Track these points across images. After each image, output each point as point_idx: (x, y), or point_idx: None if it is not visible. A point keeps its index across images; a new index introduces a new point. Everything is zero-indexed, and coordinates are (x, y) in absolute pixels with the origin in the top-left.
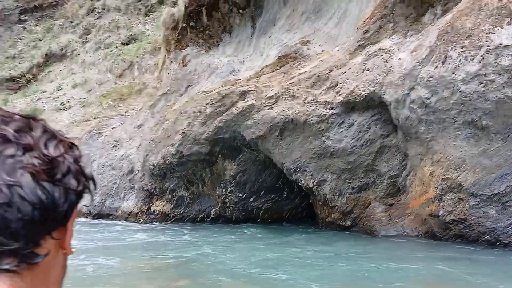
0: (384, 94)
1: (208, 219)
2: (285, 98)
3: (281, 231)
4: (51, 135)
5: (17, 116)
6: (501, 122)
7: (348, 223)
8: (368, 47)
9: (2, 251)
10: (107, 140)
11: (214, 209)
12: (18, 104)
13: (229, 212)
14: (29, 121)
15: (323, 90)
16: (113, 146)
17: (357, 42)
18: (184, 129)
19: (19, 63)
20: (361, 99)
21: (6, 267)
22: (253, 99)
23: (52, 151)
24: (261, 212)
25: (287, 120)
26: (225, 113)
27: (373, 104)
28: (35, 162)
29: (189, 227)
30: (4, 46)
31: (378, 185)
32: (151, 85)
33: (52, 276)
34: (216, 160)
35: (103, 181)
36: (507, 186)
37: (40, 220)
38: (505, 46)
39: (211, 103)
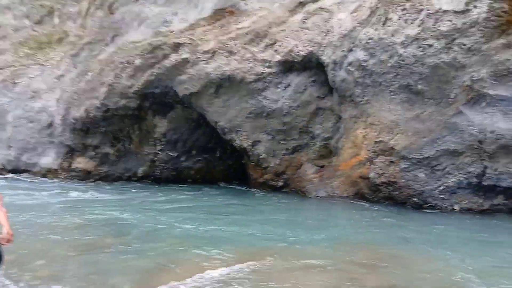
0: (322, 55)
1: (135, 178)
2: (222, 53)
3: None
4: None
5: None
6: (435, 87)
7: (280, 183)
8: (308, 5)
9: None
10: (23, 91)
11: (142, 168)
12: None
13: (158, 171)
14: None
15: (261, 48)
16: (31, 97)
17: None
18: (111, 81)
19: None
20: (300, 59)
21: None
22: (187, 52)
23: None
24: (192, 172)
25: (223, 77)
26: (156, 66)
27: (311, 65)
28: None
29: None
30: None
31: (311, 146)
32: (73, 33)
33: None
34: (146, 116)
35: (19, 135)
36: (437, 150)
37: None
38: (444, 11)
39: (141, 54)
